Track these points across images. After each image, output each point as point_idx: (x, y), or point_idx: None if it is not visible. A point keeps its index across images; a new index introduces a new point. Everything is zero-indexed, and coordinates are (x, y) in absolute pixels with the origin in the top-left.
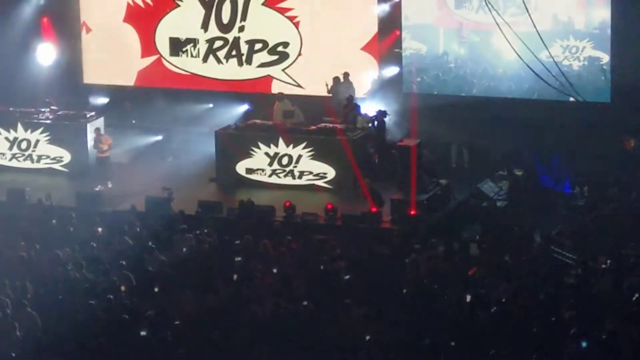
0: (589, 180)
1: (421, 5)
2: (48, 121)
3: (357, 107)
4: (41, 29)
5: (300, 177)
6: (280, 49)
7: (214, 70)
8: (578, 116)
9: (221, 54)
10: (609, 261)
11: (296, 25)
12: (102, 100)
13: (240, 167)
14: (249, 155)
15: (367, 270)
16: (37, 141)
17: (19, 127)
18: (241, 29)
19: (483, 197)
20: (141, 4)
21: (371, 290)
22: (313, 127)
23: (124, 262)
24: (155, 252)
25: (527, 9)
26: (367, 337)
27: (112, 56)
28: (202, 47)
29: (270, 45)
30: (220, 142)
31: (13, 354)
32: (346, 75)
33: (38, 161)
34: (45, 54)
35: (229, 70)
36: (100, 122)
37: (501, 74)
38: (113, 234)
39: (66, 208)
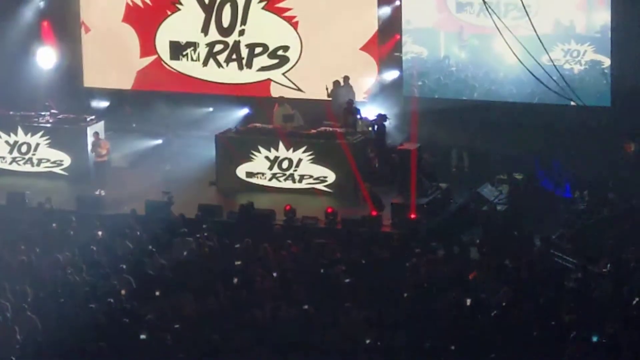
0: (589, 184)
1: (422, 9)
2: (48, 125)
3: (357, 111)
4: (41, 32)
5: (300, 180)
6: (280, 52)
7: (214, 74)
8: (578, 120)
9: (221, 57)
10: (609, 265)
11: (294, 25)
12: (103, 103)
13: (241, 171)
14: (249, 159)
15: (367, 274)
16: (37, 145)
17: (19, 130)
18: (241, 32)
19: (483, 201)
20: (140, 4)
21: (371, 294)
22: (313, 131)
23: (124, 266)
24: (156, 255)
25: (527, 12)
26: (367, 341)
27: (111, 56)
28: (202, 50)
29: (271, 49)
30: (220, 145)
31: (13, 358)
32: (346, 78)
33: (38, 165)
34: (46, 57)
35: (229, 74)
36: (100, 126)
37: (502, 78)
38: (113, 237)
39: (66, 212)
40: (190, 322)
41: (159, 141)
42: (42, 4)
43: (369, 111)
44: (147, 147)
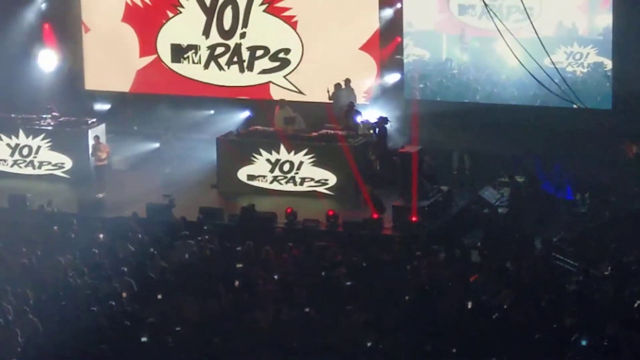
0: (590, 187)
1: (424, 11)
2: (49, 127)
3: (358, 114)
4: (43, 35)
5: (301, 183)
6: (281, 55)
7: (215, 76)
8: (580, 122)
9: (222, 60)
10: (610, 268)
11: (294, 25)
12: (104, 106)
13: (242, 174)
14: (250, 162)
15: (368, 276)
16: (39, 147)
17: (21, 133)
18: (242, 35)
19: (484, 203)
20: (140, 4)
21: (372, 297)
22: (314, 134)
23: (125, 269)
24: (157, 258)
25: (528, 15)
26: (369, 344)
27: (111, 56)
28: (204, 53)
29: (272, 51)
30: (221, 148)
31: None
32: (347, 81)
33: (39, 167)
34: (47, 60)
35: (231, 77)
36: (101, 129)
37: (504, 81)
38: (114, 240)
39: (68, 214)
40: (191, 324)
41: (160, 144)
42: (43, 6)
43: (371, 114)
44: (148, 149)
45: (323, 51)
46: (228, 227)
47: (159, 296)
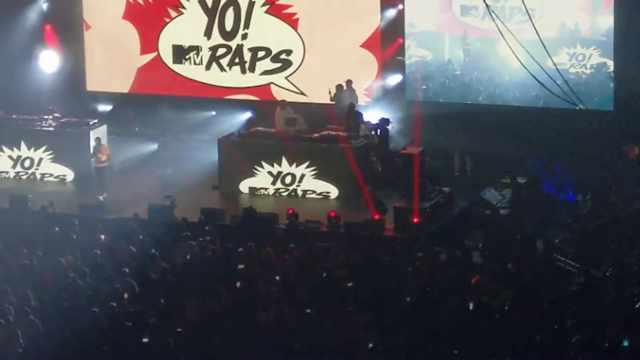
0: (592, 188)
1: (426, 12)
2: (51, 129)
3: (360, 115)
4: (44, 35)
5: (303, 196)
6: (283, 56)
7: (216, 77)
8: (581, 124)
9: (224, 61)
10: (611, 269)
11: (295, 24)
12: (105, 107)
13: (244, 186)
14: (252, 175)
15: (370, 277)
16: (41, 159)
17: (22, 145)
18: (244, 36)
19: (486, 204)
20: (140, 1)
21: (373, 298)
22: (316, 135)
23: (126, 270)
24: (158, 259)
25: (530, 17)
26: (370, 345)
27: (112, 55)
28: (205, 54)
29: (274, 52)
30: (223, 149)
31: None
32: (349, 82)
33: (41, 180)
34: (48, 61)
35: (233, 78)
36: (103, 130)
37: (507, 82)
38: (116, 241)
39: (69, 215)
40: (193, 325)
41: (161, 145)
42: (45, 5)
43: (372, 115)
44: (149, 150)
45: (324, 49)
46: (229, 228)
47: (160, 297)
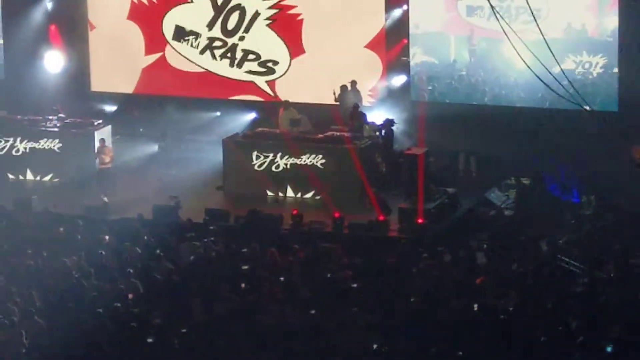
0: (596, 190)
1: (431, 12)
2: (55, 129)
3: (364, 116)
4: (49, 36)
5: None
6: (269, 65)
7: (207, 63)
8: (586, 125)
9: (217, 52)
10: (615, 270)
11: (298, 26)
12: (110, 108)
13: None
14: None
15: (374, 278)
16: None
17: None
18: (241, 38)
19: (490, 205)
20: (145, 1)
21: (378, 299)
22: (320, 136)
23: (131, 270)
24: (163, 260)
25: (535, 18)
26: (374, 346)
27: (117, 55)
28: (203, 41)
29: (262, 59)
30: (227, 150)
31: None
32: (353, 83)
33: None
34: (53, 61)
35: (220, 67)
36: (107, 130)
37: (513, 83)
38: (120, 242)
39: (73, 216)
40: (197, 326)
41: (165, 145)
42: (49, 6)
43: (377, 116)
44: (154, 151)
45: (329, 50)
46: (234, 229)
47: (165, 298)
